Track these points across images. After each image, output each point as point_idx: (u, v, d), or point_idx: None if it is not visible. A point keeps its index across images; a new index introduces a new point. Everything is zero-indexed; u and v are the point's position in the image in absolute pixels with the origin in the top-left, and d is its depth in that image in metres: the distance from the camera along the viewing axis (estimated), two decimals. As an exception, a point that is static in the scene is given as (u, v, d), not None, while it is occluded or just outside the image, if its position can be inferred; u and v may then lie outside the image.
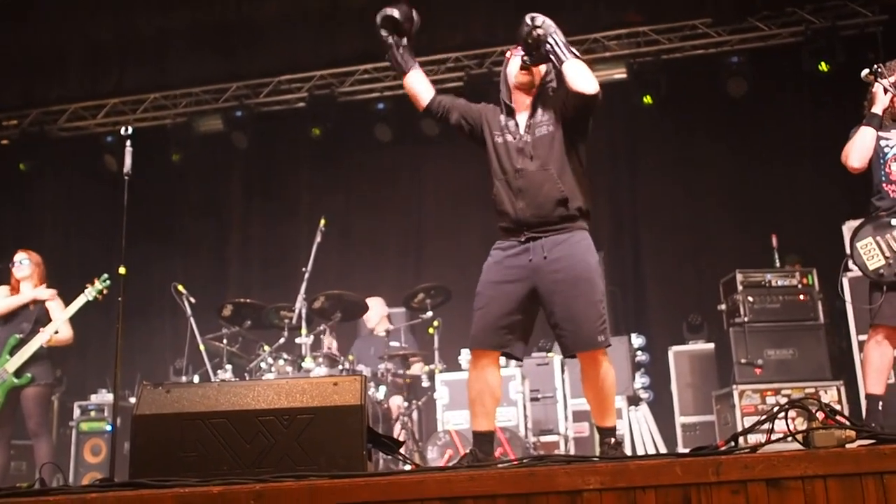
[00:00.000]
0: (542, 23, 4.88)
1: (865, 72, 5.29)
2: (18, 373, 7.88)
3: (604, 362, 4.82)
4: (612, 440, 4.86)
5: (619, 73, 11.05)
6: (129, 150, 6.57)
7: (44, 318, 8.13)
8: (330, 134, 11.70)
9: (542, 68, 5.06)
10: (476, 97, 11.13)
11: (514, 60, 5.09)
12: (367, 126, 11.68)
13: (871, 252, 5.74)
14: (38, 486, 4.39)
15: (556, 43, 4.82)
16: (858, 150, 5.81)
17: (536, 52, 4.91)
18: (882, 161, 5.84)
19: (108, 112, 12.27)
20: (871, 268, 5.72)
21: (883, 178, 5.83)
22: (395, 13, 5.35)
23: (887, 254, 5.68)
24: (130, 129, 6.66)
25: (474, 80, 11.21)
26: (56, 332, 8.01)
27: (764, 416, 3.35)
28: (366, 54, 11.37)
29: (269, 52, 11.37)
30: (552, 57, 4.84)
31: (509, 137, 5.02)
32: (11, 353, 7.91)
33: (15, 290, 8.24)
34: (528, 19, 4.90)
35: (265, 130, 12.07)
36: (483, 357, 4.95)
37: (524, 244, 4.90)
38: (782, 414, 3.34)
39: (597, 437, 8.86)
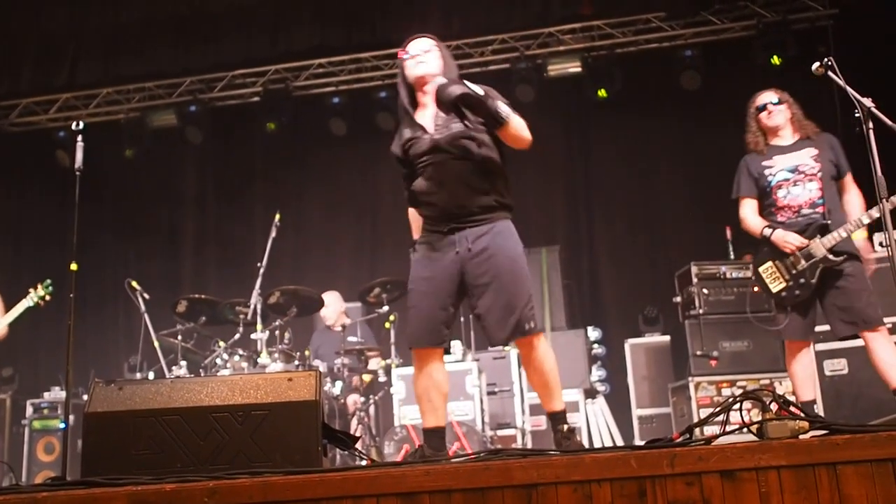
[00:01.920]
0: (486, 90, 4.80)
1: (816, 65, 5.32)
2: None
3: (539, 346, 4.89)
4: (565, 427, 4.83)
5: (574, 67, 11.10)
6: (80, 145, 6.47)
7: None
8: (285, 128, 11.67)
9: (436, 67, 5.03)
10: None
11: (410, 62, 5.06)
12: (323, 120, 11.66)
13: (772, 275, 6.19)
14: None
15: (495, 107, 4.75)
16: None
17: (469, 107, 4.81)
18: (768, 188, 6.26)
19: (60, 107, 12.16)
20: (773, 290, 6.18)
21: (772, 205, 6.24)
22: None
23: (786, 276, 6.11)
24: (82, 124, 6.57)
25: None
26: None
27: (718, 408, 3.36)
28: (321, 48, 11.35)
29: (223, 46, 11.30)
30: (487, 118, 4.81)
31: (423, 136, 5.00)
32: None
33: None
34: (469, 85, 4.75)
35: (220, 125, 12.00)
36: (426, 355, 4.95)
37: (448, 235, 4.91)
38: (737, 405, 3.35)
39: (553, 430, 8.94)
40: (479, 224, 4.87)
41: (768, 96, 6.50)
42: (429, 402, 4.93)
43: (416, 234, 5.22)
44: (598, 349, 10.14)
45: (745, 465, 2.79)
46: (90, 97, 12.09)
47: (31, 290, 7.90)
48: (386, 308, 8.92)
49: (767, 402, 3.34)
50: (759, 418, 3.21)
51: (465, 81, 4.74)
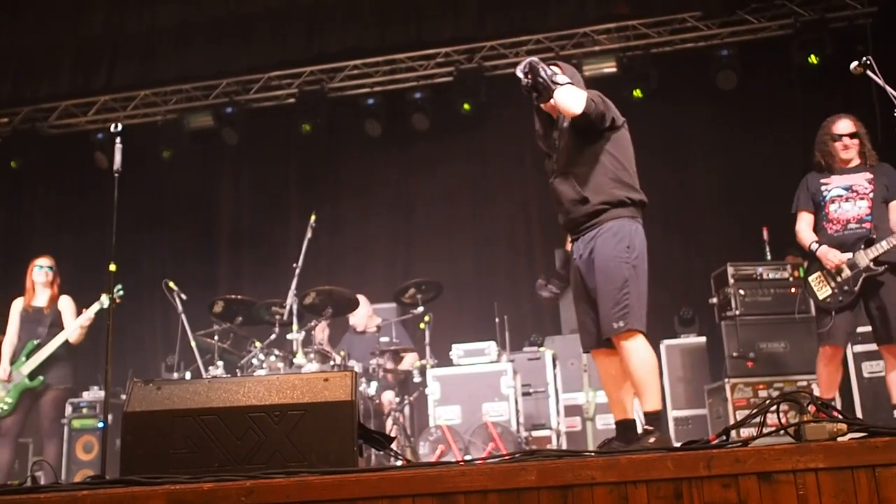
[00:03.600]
0: (527, 71, 5.21)
1: (854, 64, 5.30)
2: (32, 375, 8.12)
3: (627, 345, 5.08)
4: (644, 427, 5.07)
5: (609, 67, 11.05)
6: (118, 147, 6.55)
7: (59, 322, 8.44)
8: (320, 129, 11.71)
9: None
10: (465, 92, 11.22)
11: None
12: (357, 121, 11.69)
13: (820, 284, 6.63)
14: (29, 484, 4.37)
15: (542, 82, 5.14)
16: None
17: (537, 95, 5.28)
18: (822, 202, 6.70)
19: (98, 109, 12.26)
20: (820, 297, 6.61)
21: (824, 218, 6.70)
22: None
23: (832, 284, 6.53)
24: (120, 126, 6.64)
25: (464, 75, 11.21)
26: (68, 340, 8.32)
27: (755, 410, 3.34)
28: (355, 50, 11.38)
29: (258, 48, 11.36)
30: (545, 95, 5.18)
31: (550, 158, 5.47)
32: (28, 357, 8.23)
33: (30, 293, 8.54)
34: (518, 72, 5.24)
35: (255, 127, 12.06)
36: (596, 356, 5.49)
37: (573, 244, 5.41)
38: (774, 407, 3.34)
39: (589, 430, 8.95)
40: (588, 230, 5.24)
41: (846, 126, 6.74)
42: (608, 396, 5.42)
43: None
44: (654, 359, 10.09)
45: (782, 468, 2.77)
46: (128, 99, 12.20)
47: (104, 294, 8.04)
48: (421, 308, 8.93)
49: (805, 404, 3.32)
50: (797, 420, 3.19)
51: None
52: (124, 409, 3.61)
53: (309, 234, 8.63)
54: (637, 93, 10.87)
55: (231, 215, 12.58)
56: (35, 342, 8.25)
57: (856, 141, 6.67)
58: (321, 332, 9.05)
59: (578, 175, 5.22)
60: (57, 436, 8.58)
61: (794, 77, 10.73)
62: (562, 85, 5.12)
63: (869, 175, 6.60)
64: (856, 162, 6.70)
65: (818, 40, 10.27)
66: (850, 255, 6.45)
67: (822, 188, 6.69)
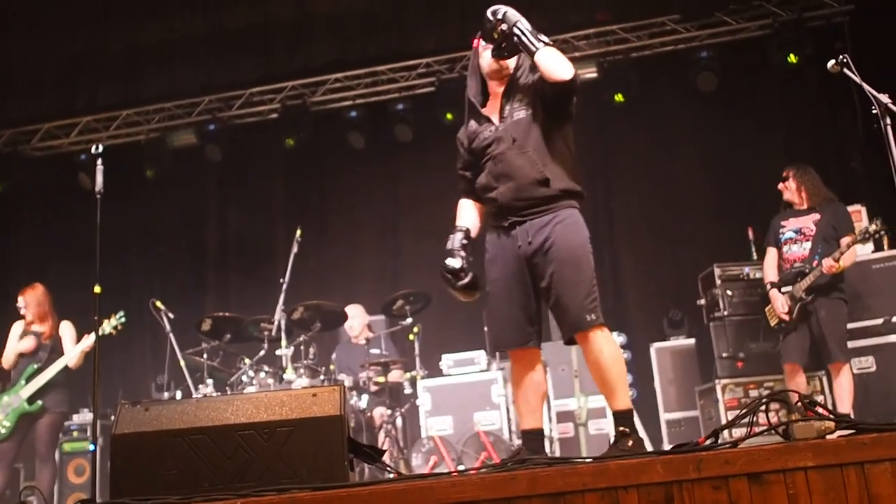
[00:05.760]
0: (504, 15, 4.77)
1: (831, 63, 5.32)
2: (31, 400, 8.13)
3: (597, 340, 4.62)
4: (620, 428, 4.59)
5: (590, 73, 11.05)
6: (100, 167, 6.54)
7: (59, 348, 8.47)
8: (304, 144, 11.70)
9: (513, 59, 4.97)
10: (447, 102, 11.23)
11: (486, 53, 4.98)
12: (341, 134, 11.68)
13: (771, 314, 7.81)
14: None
15: (523, 33, 4.71)
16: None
17: (505, 45, 4.82)
18: (779, 244, 7.82)
19: (81, 130, 12.23)
20: (772, 324, 7.82)
21: (781, 257, 7.82)
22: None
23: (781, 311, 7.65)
24: (101, 147, 6.64)
25: (445, 85, 11.22)
26: (68, 365, 8.35)
27: (744, 411, 3.34)
28: (337, 63, 11.39)
29: (240, 65, 11.36)
30: (521, 48, 4.75)
31: (489, 128, 4.91)
32: (27, 381, 8.25)
33: (29, 324, 8.55)
34: (489, 14, 4.79)
35: (239, 143, 12.04)
36: (517, 356, 4.87)
37: (510, 230, 4.79)
38: (763, 407, 3.34)
39: (582, 436, 8.93)
40: (540, 215, 4.72)
41: (785, 171, 7.92)
42: (525, 403, 4.82)
43: (458, 222, 5.10)
44: (623, 354, 10.09)
45: (771, 468, 2.78)
46: (110, 119, 12.16)
47: (105, 319, 8.05)
48: (409, 320, 8.92)
49: (793, 403, 3.33)
50: (787, 419, 3.20)
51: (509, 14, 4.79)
52: (112, 432, 3.60)
53: (295, 249, 8.63)
54: (618, 97, 10.89)
55: (216, 232, 12.55)
56: (35, 366, 8.27)
57: (791, 184, 7.79)
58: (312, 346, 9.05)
59: (538, 155, 4.75)
60: (51, 461, 8.57)
61: (773, 77, 10.76)
62: (547, 44, 4.73)
63: (816, 216, 7.62)
64: (805, 205, 7.74)
65: (797, 40, 10.29)
66: (790, 288, 7.58)
67: (780, 230, 7.80)
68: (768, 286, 7.76)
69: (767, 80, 10.83)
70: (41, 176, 12.29)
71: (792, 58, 10.28)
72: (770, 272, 7.83)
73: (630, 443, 4.49)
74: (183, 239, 12.52)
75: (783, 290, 7.64)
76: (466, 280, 4.80)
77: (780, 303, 7.61)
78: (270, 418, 3.52)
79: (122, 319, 8.04)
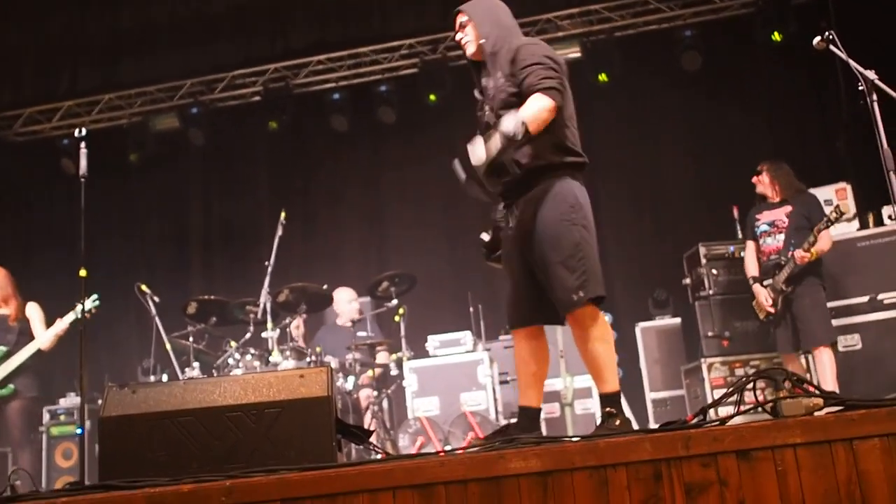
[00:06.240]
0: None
1: (817, 39, 5.31)
2: (2, 383, 7.98)
3: (585, 320, 4.56)
4: (606, 409, 4.54)
5: (573, 53, 11.03)
6: (83, 152, 6.49)
7: (28, 330, 8.29)
8: (287, 126, 11.68)
9: (473, 41, 4.89)
10: (431, 83, 11.19)
11: (468, 46, 4.95)
12: (324, 117, 11.64)
13: (758, 307, 7.92)
14: (8, 493, 4.34)
15: (507, 141, 4.35)
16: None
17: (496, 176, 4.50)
18: (756, 237, 8.01)
19: (63, 115, 12.15)
20: (761, 317, 7.97)
21: (759, 250, 7.99)
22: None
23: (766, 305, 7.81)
24: (84, 131, 6.60)
25: (428, 66, 11.19)
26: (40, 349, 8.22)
27: (731, 389, 3.35)
28: (319, 45, 11.35)
29: (222, 47, 11.34)
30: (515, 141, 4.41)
31: (483, 108, 4.84)
32: None
33: None
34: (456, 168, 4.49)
35: (222, 126, 12.00)
36: (517, 336, 4.81)
37: (505, 210, 4.77)
38: (750, 385, 3.34)
39: (568, 416, 8.94)
40: (523, 193, 4.62)
41: (759, 166, 8.13)
42: (521, 380, 4.82)
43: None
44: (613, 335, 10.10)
45: (760, 445, 2.78)
46: (92, 104, 12.09)
47: (78, 303, 7.98)
48: (395, 301, 8.91)
49: (781, 381, 3.33)
50: (773, 397, 3.20)
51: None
52: (100, 415, 3.59)
53: (280, 232, 8.61)
54: (602, 77, 10.88)
55: (201, 216, 12.50)
56: (4, 348, 8.15)
57: (765, 178, 7.99)
58: (297, 328, 9.03)
59: None
60: (29, 445, 8.46)
61: (758, 55, 10.75)
62: (518, 119, 4.34)
63: (789, 208, 7.80)
64: (778, 198, 7.91)
65: (781, 17, 10.29)
66: (770, 281, 7.74)
67: (756, 223, 8.02)
68: (750, 281, 7.97)
69: (752, 58, 10.83)
70: (23, 161, 12.24)
71: (776, 36, 10.29)
72: (751, 266, 8.04)
73: (617, 422, 4.45)
74: (167, 222, 12.48)
75: (765, 282, 7.81)
76: (495, 254, 4.87)
77: (763, 296, 7.78)
78: (258, 399, 3.52)
79: (97, 302, 7.96)
